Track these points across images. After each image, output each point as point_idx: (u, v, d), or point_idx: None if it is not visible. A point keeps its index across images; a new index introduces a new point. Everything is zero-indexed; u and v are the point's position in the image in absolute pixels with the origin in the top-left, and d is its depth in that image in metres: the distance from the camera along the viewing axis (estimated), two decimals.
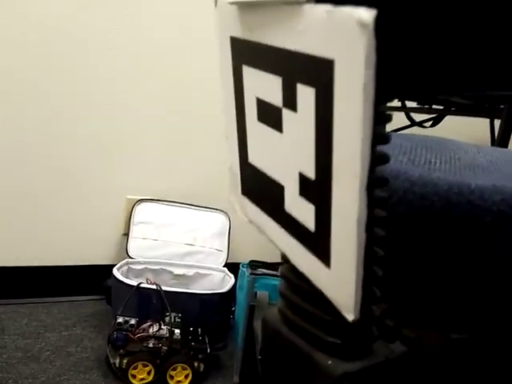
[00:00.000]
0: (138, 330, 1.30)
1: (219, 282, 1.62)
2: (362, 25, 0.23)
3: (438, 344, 0.45)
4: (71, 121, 1.54)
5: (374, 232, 0.39)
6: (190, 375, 1.29)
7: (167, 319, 1.35)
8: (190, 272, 1.61)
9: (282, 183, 0.36)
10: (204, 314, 1.43)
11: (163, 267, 1.57)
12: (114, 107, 1.58)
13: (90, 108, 1.55)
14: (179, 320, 1.38)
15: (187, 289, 1.49)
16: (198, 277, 1.62)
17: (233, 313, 1.55)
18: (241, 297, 1.49)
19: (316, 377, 0.39)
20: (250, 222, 0.44)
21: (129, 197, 1.63)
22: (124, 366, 1.24)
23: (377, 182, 0.37)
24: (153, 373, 1.26)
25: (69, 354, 1.31)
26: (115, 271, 1.41)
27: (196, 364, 1.31)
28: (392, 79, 0.34)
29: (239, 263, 1.52)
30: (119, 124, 1.60)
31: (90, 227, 1.62)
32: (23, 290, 1.58)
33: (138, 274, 1.53)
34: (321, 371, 0.38)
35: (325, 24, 0.26)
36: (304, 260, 0.36)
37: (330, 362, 0.38)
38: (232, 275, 1.57)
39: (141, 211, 1.61)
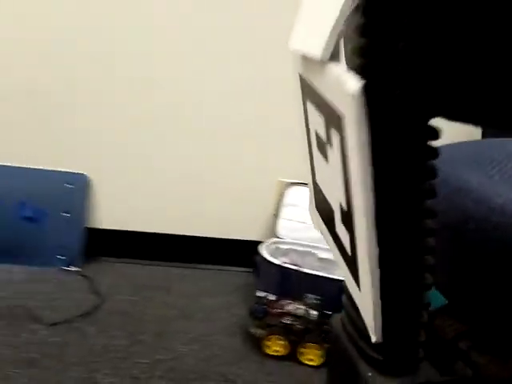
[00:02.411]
0: (277, 306, 1.40)
1: None
2: (351, 94, 0.26)
3: (499, 375, 0.44)
4: (227, 104, 1.68)
5: (424, 260, 0.41)
6: (322, 356, 1.35)
7: (305, 300, 1.43)
8: None
9: (333, 208, 0.40)
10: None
11: (308, 249, 1.64)
12: (269, 90, 1.67)
13: (247, 91, 1.67)
14: (317, 302, 1.44)
15: (329, 273, 1.54)
16: None
17: None
18: None
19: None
20: (321, 234, 0.48)
21: (280, 179, 1.74)
22: (261, 337, 1.36)
23: (426, 214, 0.39)
24: (286, 347, 1.35)
25: (218, 318, 1.48)
26: (261, 248, 1.52)
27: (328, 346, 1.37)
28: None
29: None
30: (274, 108, 1.69)
31: (246, 206, 1.77)
32: (191, 256, 1.81)
33: (284, 253, 1.63)
34: (361, 380, 0.41)
35: (336, 85, 0.29)
36: (348, 279, 0.40)
37: (369, 374, 0.41)
38: None
39: (291, 194, 1.70)
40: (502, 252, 0.42)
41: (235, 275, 1.75)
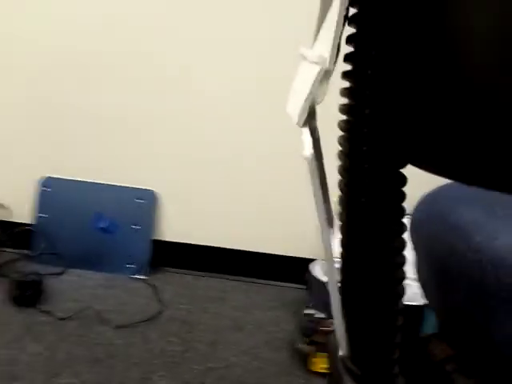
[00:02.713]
0: (325, 324, 1.44)
1: (416, 293, 1.64)
2: (305, 158, 0.33)
3: None
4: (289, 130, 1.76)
5: (397, 290, 0.47)
6: None
7: None
8: None
9: None
10: None
11: None
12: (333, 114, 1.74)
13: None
14: None
15: None
16: None
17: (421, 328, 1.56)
18: (428, 314, 1.50)
19: None
20: None
21: (336, 199, 1.78)
22: (308, 353, 1.41)
23: (395, 251, 0.45)
24: None
25: (266, 331, 1.55)
26: (312, 267, 1.58)
27: None
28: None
29: None
30: (333, 126, 1.75)
31: (302, 224, 1.84)
32: (247, 270, 1.90)
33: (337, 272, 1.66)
34: None
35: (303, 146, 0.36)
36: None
37: None
38: None
39: None
40: (472, 289, 0.47)
41: (287, 291, 1.82)
